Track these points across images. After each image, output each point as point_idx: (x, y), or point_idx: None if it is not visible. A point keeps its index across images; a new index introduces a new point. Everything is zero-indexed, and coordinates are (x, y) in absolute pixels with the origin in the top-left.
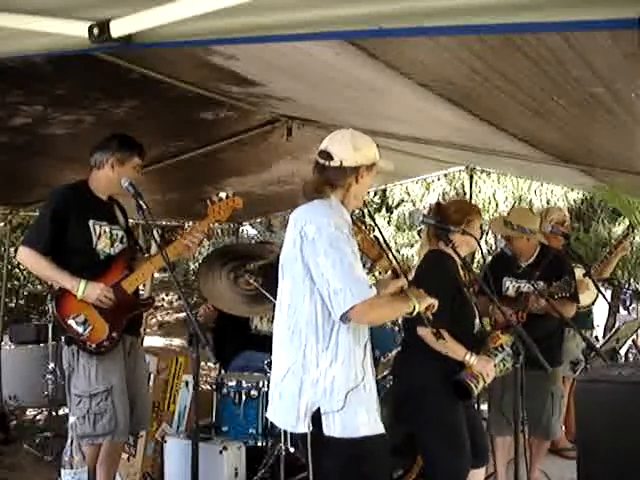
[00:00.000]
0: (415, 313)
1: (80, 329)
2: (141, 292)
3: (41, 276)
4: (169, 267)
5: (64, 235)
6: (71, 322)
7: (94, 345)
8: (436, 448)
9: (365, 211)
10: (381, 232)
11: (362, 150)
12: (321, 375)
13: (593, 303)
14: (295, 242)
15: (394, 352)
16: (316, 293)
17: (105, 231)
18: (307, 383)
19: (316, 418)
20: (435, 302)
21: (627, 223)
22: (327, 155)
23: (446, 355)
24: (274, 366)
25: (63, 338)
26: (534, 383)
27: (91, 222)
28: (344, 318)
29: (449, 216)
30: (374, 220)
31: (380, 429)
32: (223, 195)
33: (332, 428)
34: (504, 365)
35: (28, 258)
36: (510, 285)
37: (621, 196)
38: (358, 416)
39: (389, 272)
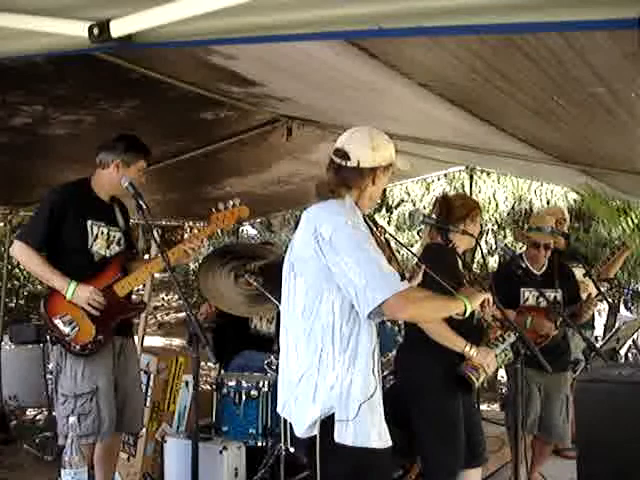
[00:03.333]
0: (469, 313)
1: (66, 329)
2: (141, 292)
3: (32, 272)
4: (169, 268)
5: (60, 233)
6: (58, 322)
7: (78, 346)
8: (432, 444)
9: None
10: (393, 236)
11: (380, 150)
12: (337, 380)
13: None
14: (308, 243)
15: (394, 352)
16: (333, 295)
17: (102, 232)
18: (322, 388)
19: (328, 424)
20: (489, 296)
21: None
22: (344, 154)
23: (446, 349)
24: (287, 369)
25: (48, 337)
26: (554, 386)
27: (89, 222)
28: (374, 315)
29: (454, 209)
30: (376, 223)
31: (389, 442)
32: (230, 203)
33: (344, 436)
34: (505, 356)
35: (21, 252)
36: (530, 295)
37: (603, 203)
38: (370, 427)
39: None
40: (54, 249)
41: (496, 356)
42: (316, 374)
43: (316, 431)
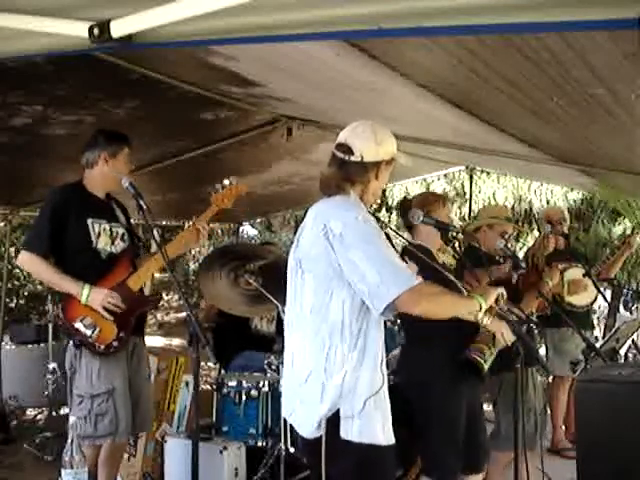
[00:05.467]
0: (484, 311)
1: (88, 332)
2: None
3: (43, 281)
4: (168, 268)
5: (64, 235)
6: (78, 325)
7: (103, 346)
8: (434, 441)
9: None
10: (395, 230)
11: (383, 145)
12: (345, 377)
13: (592, 303)
14: (318, 240)
15: (395, 352)
16: (344, 292)
17: (105, 229)
18: (329, 387)
19: (334, 420)
20: (502, 290)
21: (629, 223)
22: (347, 149)
23: (449, 345)
24: (293, 369)
25: (72, 342)
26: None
27: (89, 221)
28: (387, 311)
29: (410, 208)
30: (378, 219)
31: (392, 440)
32: (227, 182)
33: (349, 432)
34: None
35: (29, 263)
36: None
37: (621, 197)
38: (375, 423)
39: None
40: (60, 252)
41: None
42: (323, 373)
43: (322, 430)
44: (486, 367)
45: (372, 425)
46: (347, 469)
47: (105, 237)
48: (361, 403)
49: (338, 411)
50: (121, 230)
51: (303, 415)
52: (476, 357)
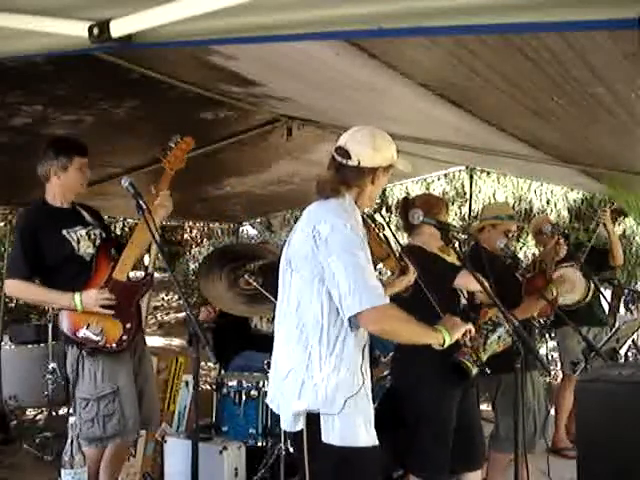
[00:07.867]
0: (447, 345)
1: (95, 337)
2: (138, 277)
3: (36, 303)
4: (155, 240)
5: (42, 253)
6: (83, 333)
7: (114, 345)
8: (425, 443)
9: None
10: (392, 231)
11: (381, 151)
12: (323, 380)
13: (585, 299)
14: (307, 240)
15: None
16: (323, 295)
17: (82, 235)
18: (308, 385)
19: (314, 420)
20: (470, 327)
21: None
22: (345, 153)
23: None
24: (277, 363)
25: (84, 352)
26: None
27: (64, 232)
28: (352, 323)
29: (411, 208)
30: (374, 221)
31: (375, 441)
32: (172, 144)
33: (331, 435)
34: (504, 340)
35: (15, 289)
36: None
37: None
38: (356, 425)
39: (396, 272)
40: (44, 270)
41: (496, 339)
42: (304, 371)
43: (302, 425)
44: (474, 371)
45: (353, 426)
46: (328, 468)
47: (85, 241)
48: (341, 404)
49: (319, 410)
50: (97, 231)
51: (284, 409)
52: (463, 360)
